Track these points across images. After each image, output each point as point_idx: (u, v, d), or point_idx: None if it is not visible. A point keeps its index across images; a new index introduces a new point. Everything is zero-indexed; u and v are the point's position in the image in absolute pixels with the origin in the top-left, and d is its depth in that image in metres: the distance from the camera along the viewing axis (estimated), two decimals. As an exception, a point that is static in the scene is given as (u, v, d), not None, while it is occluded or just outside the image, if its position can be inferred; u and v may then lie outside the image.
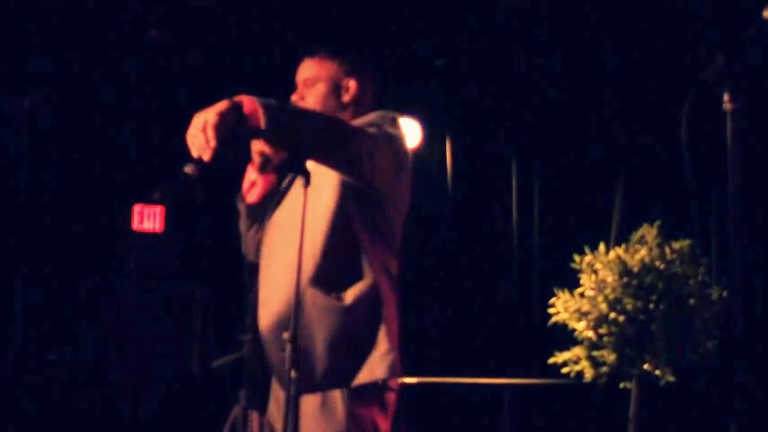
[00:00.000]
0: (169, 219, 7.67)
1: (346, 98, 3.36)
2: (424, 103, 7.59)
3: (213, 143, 2.68)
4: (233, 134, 2.73)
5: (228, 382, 5.91)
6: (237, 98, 2.77)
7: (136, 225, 7.60)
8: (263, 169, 2.80)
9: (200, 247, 7.69)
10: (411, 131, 7.41)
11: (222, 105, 2.73)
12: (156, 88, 7.34)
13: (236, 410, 3.99)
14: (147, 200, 7.57)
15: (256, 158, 3.23)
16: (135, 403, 7.45)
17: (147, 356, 7.57)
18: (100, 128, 7.44)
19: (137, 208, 7.60)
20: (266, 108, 2.78)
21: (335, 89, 3.36)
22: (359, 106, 3.37)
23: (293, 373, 2.80)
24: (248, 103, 2.76)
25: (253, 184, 3.37)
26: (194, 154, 2.74)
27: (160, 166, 7.28)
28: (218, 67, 7.15)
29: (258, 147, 3.15)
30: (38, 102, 7.29)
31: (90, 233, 7.51)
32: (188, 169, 3.32)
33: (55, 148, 7.40)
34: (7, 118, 7.30)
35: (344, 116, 3.32)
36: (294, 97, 3.40)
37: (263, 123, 2.75)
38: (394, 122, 3.21)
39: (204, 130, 2.68)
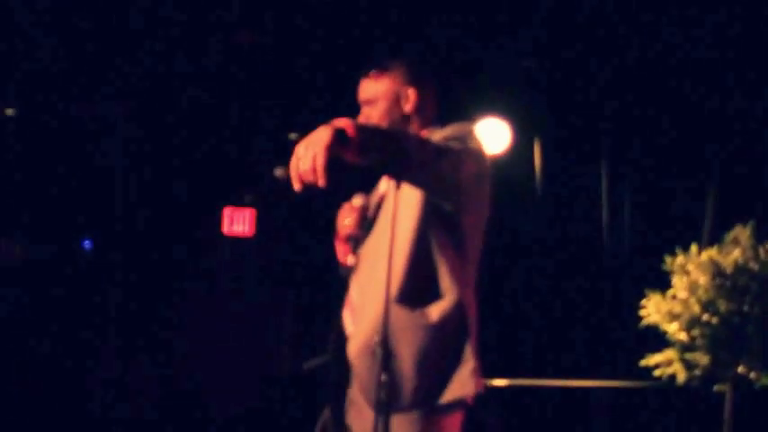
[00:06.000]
0: (259, 222, 7.74)
1: (408, 108, 3.34)
2: (513, 105, 7.57)
3: (323, 182, 2.69)
4: (339, 164, 2.73)
5: (319, 384, 5.96)
6: (338, 123, 2.77)
7: (226, 229, 7.69)
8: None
9: (290, 250, 7.74)
10: (501, 133, 7.39)
11: (326, 137, 2.72)
12: (247, 92, 7.40)
13: (326, 413, 4.00)
14: (238, 203, 7.66)
15: (342, 231, 3.31)
16: (226, 405, 7.54)
17: (238, 359, 7.65)
18: (191, 132, 7.53)
19: (227, 211, 7.69)
20: (365, 133, 2.80)
21: (396, 102, 3.34)
22: (423, 114, 3.37)
23: (383, 377, 2.79)
24: (349, 129, 2.77)
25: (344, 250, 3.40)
26: (297, 187, 2.75)
27: (251, 169, 7.35)
28: (305, 71, 7.19)
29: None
30: (131, 108, 7.42)
31: (181, 237, 7.61)
32: (279, 172, 3.34)
33: (146, 153, 7.52)
34: (101, 125, 7.44)
35: (411, 127, 3.33)
36: (360, 118, 3.39)
37: (363, 149, 2.78)
38: (473, 135, 3.21)
39: (314, 170, 2.70)
